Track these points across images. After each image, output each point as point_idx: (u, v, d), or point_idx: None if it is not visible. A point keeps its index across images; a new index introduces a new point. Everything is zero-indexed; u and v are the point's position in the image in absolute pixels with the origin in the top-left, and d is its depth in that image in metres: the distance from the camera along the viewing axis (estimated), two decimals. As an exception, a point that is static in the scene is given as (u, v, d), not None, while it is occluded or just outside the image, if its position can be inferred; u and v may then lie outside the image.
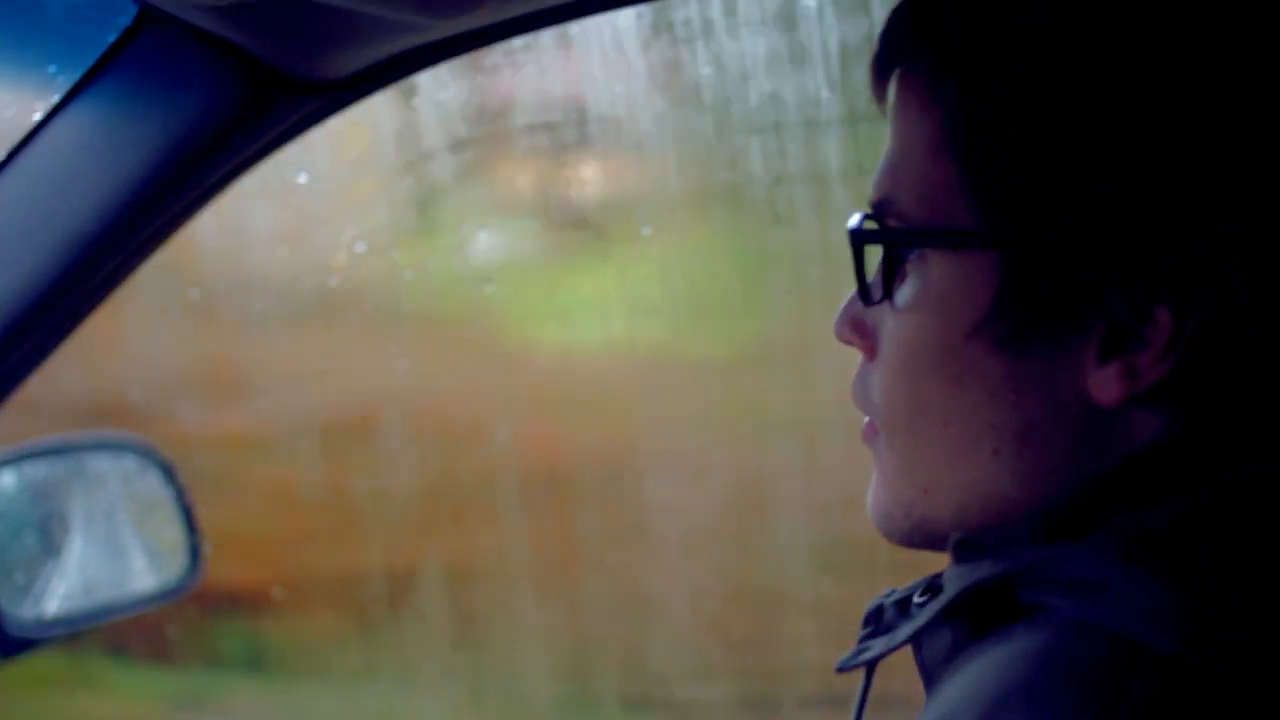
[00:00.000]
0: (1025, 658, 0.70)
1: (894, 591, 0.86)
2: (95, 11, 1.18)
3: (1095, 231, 0.75)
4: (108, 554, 1.51)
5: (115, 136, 1.20)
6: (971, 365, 0.78)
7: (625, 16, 2.18)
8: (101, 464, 1.53)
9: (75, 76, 1.20)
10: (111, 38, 1.18)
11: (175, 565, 1.50)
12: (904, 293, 0.81)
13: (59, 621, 1.48)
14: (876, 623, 0.85)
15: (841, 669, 0.84)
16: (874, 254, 0.83)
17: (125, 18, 1.17)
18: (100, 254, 1.22)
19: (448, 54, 1.27)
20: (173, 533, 1.49)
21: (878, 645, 0.82)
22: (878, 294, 0.82)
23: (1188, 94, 0.74)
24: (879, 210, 0.82)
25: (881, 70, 0.84)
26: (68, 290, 1.23)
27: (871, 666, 0.85)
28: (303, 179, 2.46)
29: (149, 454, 1.51)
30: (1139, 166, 0.74)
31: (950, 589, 0.77)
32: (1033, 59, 0.76)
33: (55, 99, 1.21)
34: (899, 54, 0.82)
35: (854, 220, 0.83)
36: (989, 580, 0.74)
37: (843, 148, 2.19)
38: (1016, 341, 0.77)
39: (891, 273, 0.81)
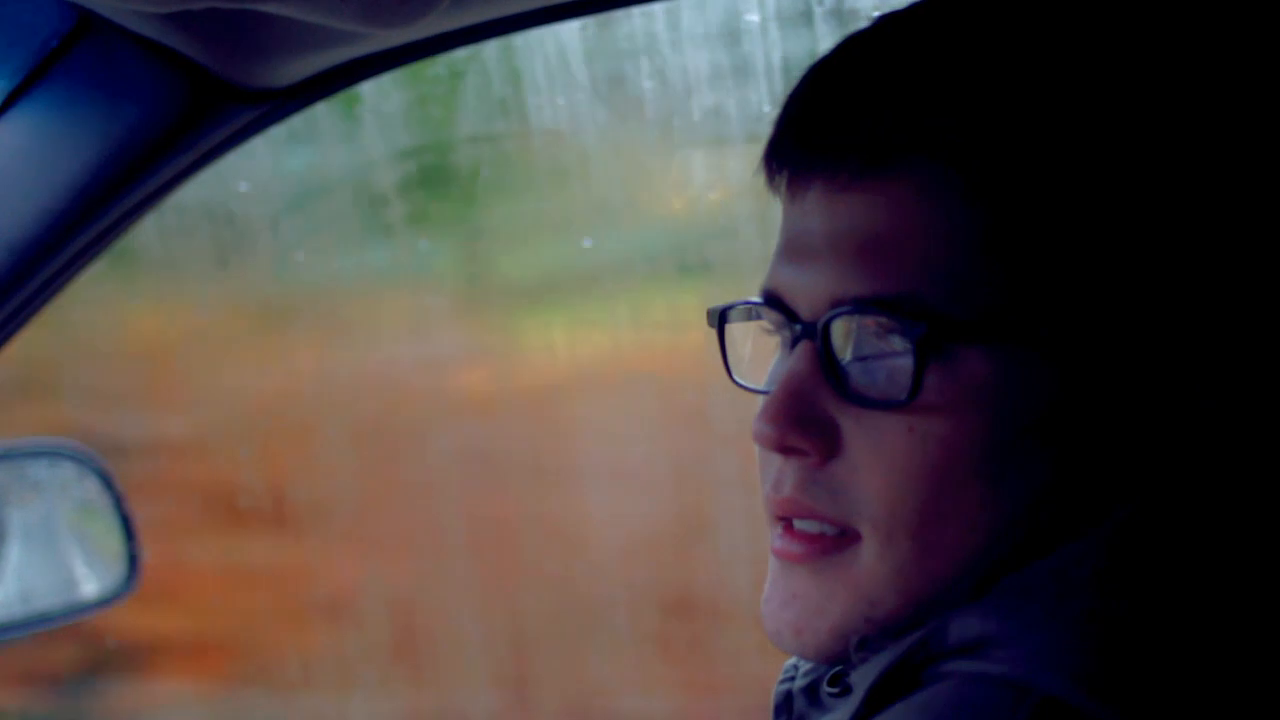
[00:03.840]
0: (920, 710, 0.71)
1: (796, 672, 0.83)
2: (32, 17, 1.17)
3: (1146, 317, 0.74)
4: (45, 561, 1.49)
5: (54, 143, 1.19)
6: (1018, 465, 0.75)
7: (569, 29, 2.19)
8: (38, 470, 1.52)
9: (12, 83, 1.19)
10: (52, 44, 1.18)
11: (113, 572, 1.49)
12: (933, 388, 0.74)
13: (-5, 629, 1.47)
14: (788, 714, 0.83)
15: None
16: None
17: (64, 23, 1.16)
18: (39, 261, 1.21)
19: (391, 64, 1.27)
20: (111, 540, 1.49)
21: None
22: (901, 394, 0.75)
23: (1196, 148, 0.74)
24: (893, 307, 0.75)
25: (854, 157, 0.76)
26: (5, 297, 1.22)
27: None
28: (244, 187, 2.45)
29: (86, 460, 1.50)
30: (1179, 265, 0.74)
31: (860, 688, 0.75)
32: (1065, 144, 0.74)
33: (-6, 105, 1.20)
34: (884, 142, 0.76)
35: (826, 313, 0.77)
36: (891, 666, 0.73)
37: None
38: (1070, 443, 0.75)
39: (921, 370, 0.74)
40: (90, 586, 1.52)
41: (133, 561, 1.49)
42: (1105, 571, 0.72)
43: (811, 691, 0.82)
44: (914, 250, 0.75)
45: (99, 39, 1.17)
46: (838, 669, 0.80)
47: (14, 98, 1.19)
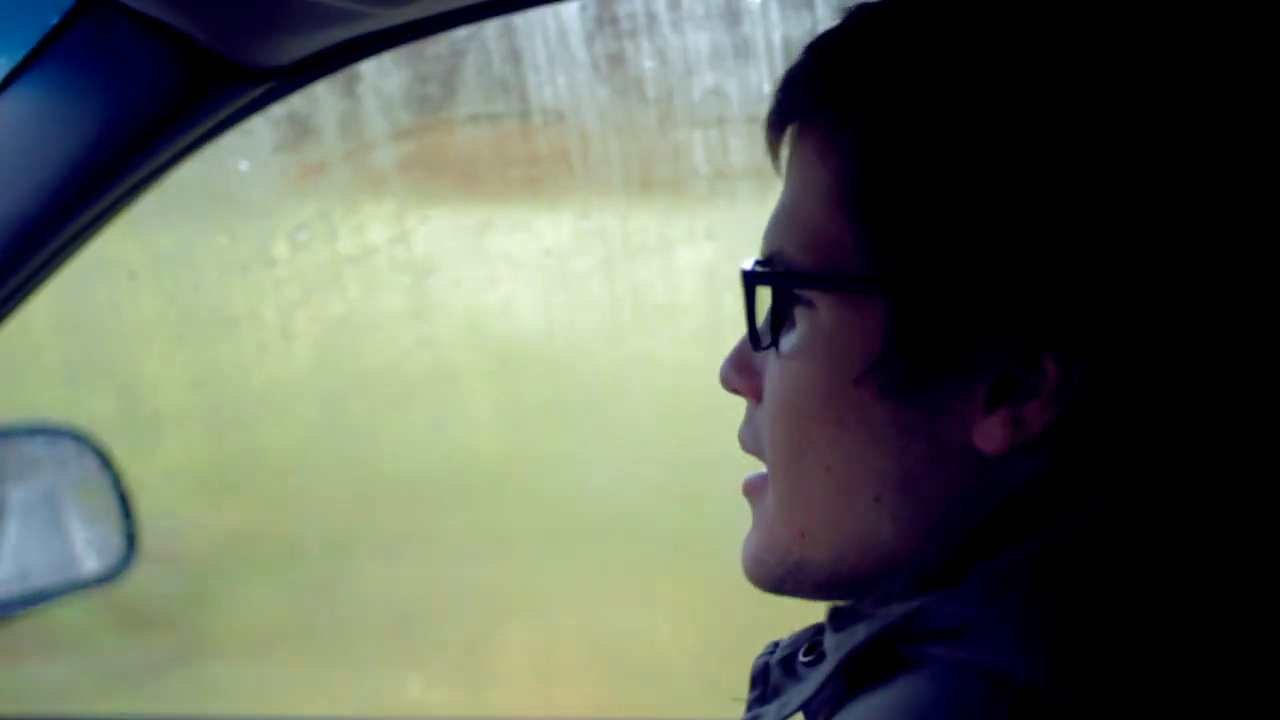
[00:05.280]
0: (900, 702, 0.71)
1: (776, 647, 0.86)
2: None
3: (982, 281, 0.74)
4: (43, 539, 1.50)
5: (55, 120, 1.19)
6: (856, 411, 0.78)
7: (569, 9, 2.19)
8: (37, 450, 1.52)
9: (15, 60, 1.19)
10: (52, 20, 1.18)
11: (111, 551, 1.49)
12: (790, 339, 0.81)
13: (-7, 606, 1.48)
14: (764, 685, 0.85)
15: None
16: (765, 300, 0.83)
17: (65, 1, 1.16)
18: (38, 238, 1.21)
19: (391, 43, 1.27)
20: (108, 519, 1.49)
21: (769, 714, 0.82)
22: (765, 340, 0.82)
23: (1071, 146, 0.73)
24: (769, 263, 0.82)
25: (777, 125, 0.84)
26: (5, 274, 1.22)
27: None
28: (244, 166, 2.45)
29: (84, 440, 1.51)
30: (1024, 218, 0.74)
31: (832, 658, 0.77)
32: (923, 112, 0.75)
33: (-5, 82, 1.20)
34: (796, 109, 0.83)
35: (747, 264, 0.83)
36: (866, 643, 0.75)
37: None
38: (902, 389, 0.77)
39: (779, 319, 0.81)
40: (88, 564, 1.52)
41: (130, 539, 1.49)
42: (1084, 562, 0.73)
43: (787, 663, 0.84)
44: (791, 208, 0.82)
45: (100, 16, 1.17)
46: (814, 639, 0.82)
47: (15, 74, 1.19)
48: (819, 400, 0.80)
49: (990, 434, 0.76)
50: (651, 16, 2.21)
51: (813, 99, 0.81)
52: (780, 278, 0.81)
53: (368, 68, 2.33)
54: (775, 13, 2.15)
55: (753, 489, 0.86)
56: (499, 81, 2.34)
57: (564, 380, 2.60)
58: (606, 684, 2.55)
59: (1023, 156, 0.74)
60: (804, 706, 0.80)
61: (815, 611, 0.83)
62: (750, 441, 0.86)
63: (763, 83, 2.18)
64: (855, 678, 0.76)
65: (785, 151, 0.84)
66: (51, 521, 1.50)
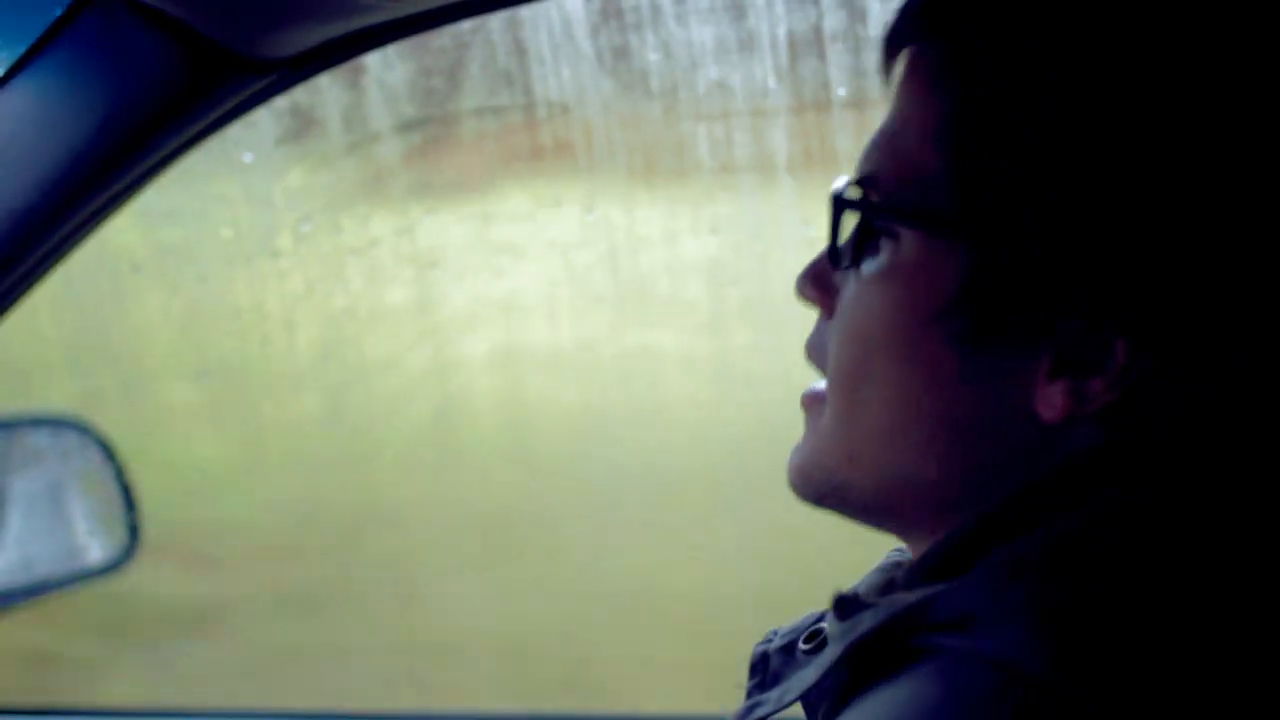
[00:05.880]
0: (908, 697, 0.71)
1: (775, 634, 0.87)
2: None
3: (1070, 247, 0.74)
4: (46, 530, 1.50)
5: (59, 112, 1.19)
6: (922, 351, 0.78)
7: (574, 2, 2.19)
8: (40, 440, 1.52)
9: (19, 52, 1.19)
10: (56, 13, 1.18)
11: (113, 542, 1.49)
12: (870, 265, 0.80)
13: (-4, 597, 1.48)
14: (763, 673, 0.85)
15: None
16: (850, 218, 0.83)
17: (71, -7, 1.16)
18: (42, 230, 1.21)
19: (396, 35, 1.27)
20: (111, 509, 1.49)
21: (769, 702, 0.82)
22: (846, 260, 0.82)
23: (1187, 133, 0.73)
24: (863, 183, 0.82)
25: (891, 47, 0.83)
26: (9, 264, 1.22)
27: None
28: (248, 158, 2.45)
29: (87, 431, 1.51)
30: (1125, 195, 0.73)
31: (835, 647, 0.77)
32: (1041, 62, 0.75)
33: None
34: (914, 34, 0.81)
35: (839, 183, 0.83)
36: (872, 632, 0.75)
37: (789, 137, 2.20)
38: (972, 339, 0.77)
39: (862, 242, 0.81)
40: (91, 555, 1.52)
41: (133, 530, 1.49)
42: (1097, 555, 0.73)
43: (787, 650, 0.84)
44: (891, 136, 0.81)
45: (104, 7, 1.17)
46: (815, 628, 0.83)
47: (20, 66, 1.19)
48: (888, 333, 0.79)
49: (1052, 401, 0.76)
50: (656, 10, 2.20)
51: (933, 27, 0.80)
52: (869, 205, 0.81)
53: (372, 60, 2.33)
54: (780, 6, 2.15)
55: (811, 401, 0.86)
56: (504, 74, 2.34)
57: (567, 373, 2.60)
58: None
59: (1127, 133, 0.73)
60: (804, 695, 0.80)
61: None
62: (815, 353, 0.86)
63: (767, 76, 2.18)
64: (860, 667, 0.76)
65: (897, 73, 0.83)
66: (55, 512, 1.51)
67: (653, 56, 2.26)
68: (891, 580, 0.81)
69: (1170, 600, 0.71)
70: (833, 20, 2.08)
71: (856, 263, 0.81)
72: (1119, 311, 0.74)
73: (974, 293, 0.76)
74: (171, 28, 1.16)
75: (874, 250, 0.80)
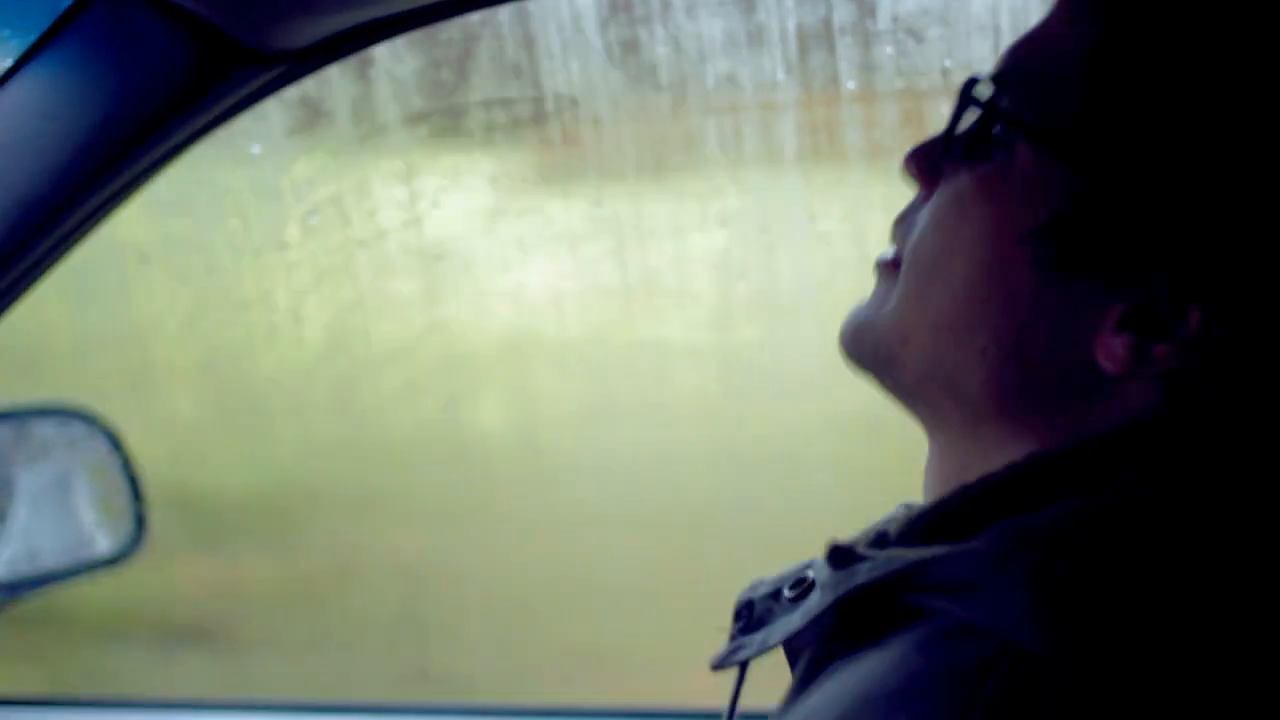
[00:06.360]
0: (892, 664, 0.71)
1: (762, 583, 0.87)
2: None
3: (1177, 199, 0.74)
4: (53, 521, 1.50)
5: (67, 102, 1.19)
6: (1004, 265, 0.79)
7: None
8: (47, 431, 1.52)
9: (28, 41, 1.19)
10: (66, 3, 1.18)
11: (120, 533, 1.49)
12: (981, 167, 0.81)
13: (2, 587, 1.48)
14: (748, 618, 0.85)
15: (716, 667, 0.84)
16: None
17: (80, -18, 1.16)
18: (50, 220, 1.21)
19: (405, 27, 1.27)
20: (118, 500, 1.49)
21: (752, 645, 0.83)
22: (958, 152, 0.82)
23: None
24: (1000, 78, 0.82)
25: None
26: (17, 254, 1.22)
27: (744, 664, 0.85)
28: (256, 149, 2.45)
29: (95, 422, 1.51)
30: (1241, 164, 0.74)
31: (825, 596, 0.77)
32: (1193, 15, 0.75)
33: (8, 63, 1.20)
34: None
35: (977, 77, 0.83)
36: (865, 587, 0.75)
37: (798, 130, 2.20)
38: (1056, 267, 0.77)
39: (979, 142, 0.81)
40: (98, 546, 1.52)
41: (140, 521, 1.49)
42: (1109, 540, 0.72)
43: (773, 597, 0.84)
44: (1036, 44, 0.81)
45: (113, -2, 1.17)
46: (801, 575, 0.83)
47: (29, 56, 1.19)
48: (978, 236, 0.80)
49: (1114, 351, 0.76)
50: (665, 3, 2.20)
51: None
52: (995, 108, 0.81)
53: (381, 52, 2.32)
54: (789, 0, 2.14)
55: (886, 266, 0.86)
56: (512, 67, 2.33)
57: (574, 366, 2.60)
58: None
59: (1258, 107, 0.74)
60: (788, 641, 0.81)
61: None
62: (902, 225, 0.86)
63: (776, 70, 2.18)
64: (848, 620, 0.76)
65: None
66: (61, 503, 1.51)
67: (662, 50, 2.25)
68: (884, 533, 0.81)
69: (1178, 593, 0.71)
70: (842, 13, 2.07)
71: (967, 159, 0.82)
72: (1204, 278, 0.74)
73: (1071, 221, 0.77)
74: (181, 18, 1.15)
75: (987, 152, 0.81)
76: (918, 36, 2.02)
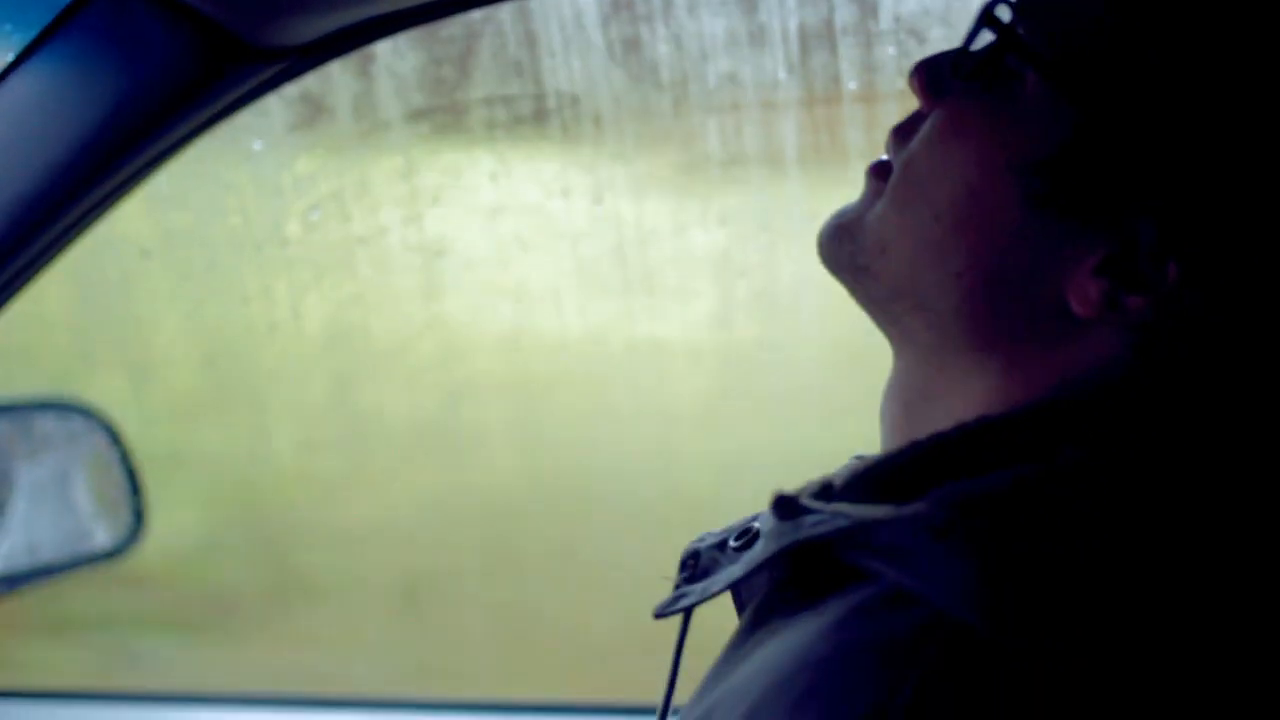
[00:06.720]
0: (827, 630, 0.70)
1: (708, 536, 0.87)
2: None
3: (1176, 149, 0.74)
4: (51, 514, 1.50)
5: (68, 97, 1.19)
6: (993, 192, 0.79)
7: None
8: (47, 425, 1.52)
9: (29, 36, 1.19)
10: (67, -2, 1.18)
11: (118, 527, 1.50)
12: (987, 91, 0.81)
13: (1, 580, 1.48)
14: (693, 568, 0.85)
15: (659, 615, 0.85)
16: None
17: (82, -23, 1.16)
18: (51, 215, 1.21)
19: (406, 24, 1.27)
20: (116, 494, 1.49)
21: (694, 592, 0.83)
22: (966, 72, 0.82)
23: None
24: (1021, 5, 0.82)
25: None
26: (18, 249, 1.22)
27: (688, 613, 0.85)
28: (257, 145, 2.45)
29: (94, 416, 1.51)
30: (1243, 127, 0.74)
31: (769, 545, 0.77)
32: None
33: (8, 58, 1.20)
34: None
35: None
36: (806, 542, 0.74)
37: (799, 130, 2.20)
38: (1042, 203, 0.77)
39: (989, 67, 0.81)
40: (96, 539, 1.53)
41: (138, 515, 1.50)
42: (1047, 507, 0.72)
43: (719, 548, 0.85)
44: None
45: (115, -7, 1.17)
46: (746, 526, 0.83)
47: (30, 50, 1.19)
48: (971, 160, 0.80)
49: (1086, 294, 0.77)
50: (667, 1, 2.20)
51: None
52: (1011, 35, 0.80)
53: (382, 49, 2.32)
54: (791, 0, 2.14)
55: (877, 172, 0.86)
56: (514, 64, 2.34)
57: (574, 364, 2.60)
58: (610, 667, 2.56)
59: (1253, 80, 0.74)
60: (734, 589, 0.81)
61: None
62: (899, 134, 0.86)
63: (778, 69, 2.18)
64: (794, 571, 0.76)
65: None
66: (60, 496, 1.51)
67: (663, 48, 2.26)
68: (829, 484, 0.80)
69: (1121, 566, 0.70)
70: (844, 14, 2.07)
71: (975, 80, 0.81)
72: (1187, 232, 0.75)
73: (1066, 159, 0.77)
74: (183, 14, 1.15)
75: (995, 78, 0.81)
76: (920, 37, 2.02)
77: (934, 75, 0.85)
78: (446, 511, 2.70)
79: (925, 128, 0.83)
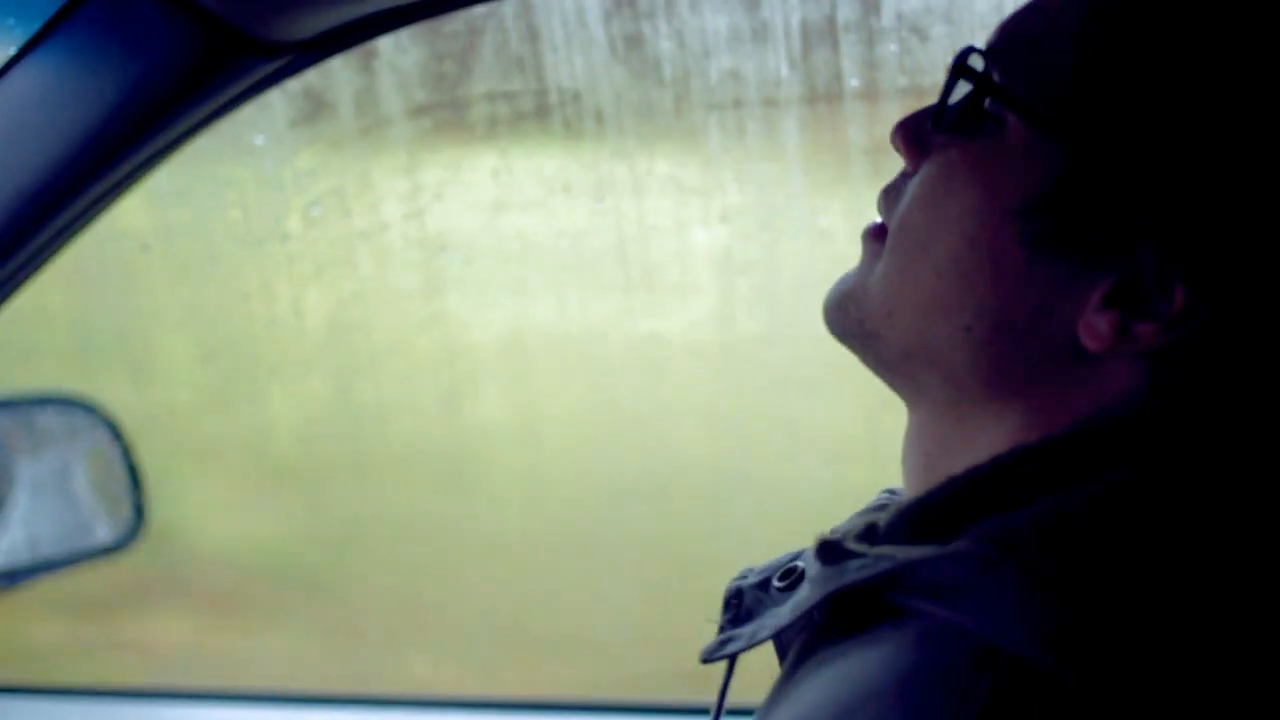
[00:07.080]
0: (885, 661, 0.70)
1: (750, 572, 0.86)
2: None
3: (1166, 175, 0.74)
4: (52, 509, 1.50)
5: (70, 91, 1.19)
6: (992, 241, 0.78)
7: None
8: (48, 420, 1.52)
9: (32, 30, 1.19)
10: (70, -8, 1.18)
11: (119, 522, 1.50)
12: (971, 141, 0.80)
13: (2, 575, 1.48)
14: (736, 609, 0.85)
15: (706, 660, 0.84)
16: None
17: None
18: (52, 209, 1.21)
19: (409, 19, 1.27)
20: (117, 489, 1.49)
21: (741, 637, 0.82)
22: (947, 125, 0.82)
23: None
24: (993, 51, 0.81)
25: None
26: (19, 243, 1.22)
27: (733, 657, 0.84)
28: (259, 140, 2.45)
29: (95, 411, 1.51)
30: (1231, 144, 0.74)
31: (815, 591, 0.77)
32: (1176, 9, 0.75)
33: (12, 52, 1.20)
34: None
35: (972, 47, 0.83)
36: (855, 586, 0.74)
37: (801, 127, 2.20)
38: (1043, 244, 0.77)
39: (970, 115, 0.81)
40: (97, 534, 1.53)
41: (139, 510, 1.50)
42: (1091, 536, 0.72)
43: (761, 588, 0.84)
44: (1037, 20, 0.81)
45: (117, -12, 1.17)
46: (790, 565, 0.83)
47: (32, 45, 1.19)
48: (965, 210, 0.79)
49: (1097, 329, 0.76)
50: (670, -2, 2.20)
51: None
52: (987, 82, 0.80)
53: (384, 44, 2.32)
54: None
55: (873, 235, 0.85)
56: (516, 60, 2.33)
57: (575, 362, 2.60)
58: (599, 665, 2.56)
59: (1251, 88, 0.74)
60: (777, 633, 0.81)
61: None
62: (888, 198, 0.85)
63: (780, 66, 2.18)
64: (837, 617, 0.76)
65: None
66: (61, 491, 1.51)
67: (665, 45, 2.25)
68: (873, 525, 0.80)
69: (1168, 592, 0.70)
70: (846, 10, 2.07)
71: (957, 132, 0.81)
72: (1190, 254, 0.74)
73: (1060, 196, 0.77)
74: (185, 8, 1.15)
75: (978, 126, 0.80)
76: (922, 34, 2.02)
77: (915, 132, 0.85)
78: (445, 508, 2.70)
79: (914, 184, 0.83)
